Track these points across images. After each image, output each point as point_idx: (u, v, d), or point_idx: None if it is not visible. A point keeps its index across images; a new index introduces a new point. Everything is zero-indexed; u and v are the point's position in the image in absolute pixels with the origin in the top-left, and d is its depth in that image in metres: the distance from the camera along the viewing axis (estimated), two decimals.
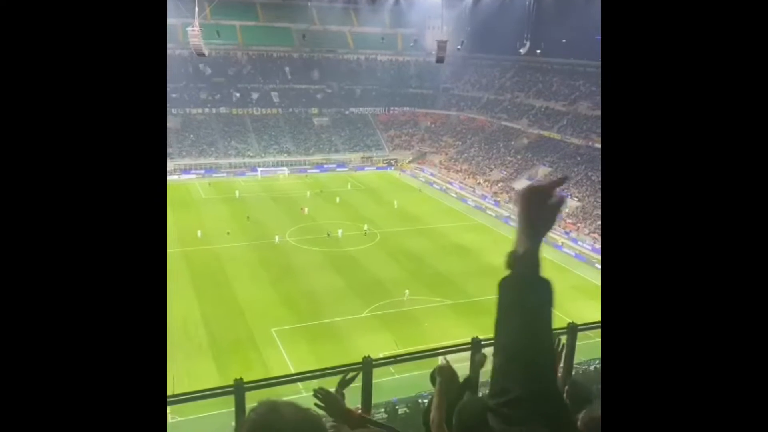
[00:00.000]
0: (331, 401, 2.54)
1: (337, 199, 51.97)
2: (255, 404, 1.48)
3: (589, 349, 5.54)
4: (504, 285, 1.52)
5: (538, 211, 1.49)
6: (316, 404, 2.45)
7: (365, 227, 44.04)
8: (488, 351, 3.74)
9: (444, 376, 3.08)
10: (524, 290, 1.49)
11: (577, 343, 4.45)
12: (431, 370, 3.18)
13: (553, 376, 1.59)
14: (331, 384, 3.15)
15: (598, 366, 13.27)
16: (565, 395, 3.28)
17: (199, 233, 39.87)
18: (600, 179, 47.36)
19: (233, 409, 3.30)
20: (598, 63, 49.83)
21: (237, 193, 53.36)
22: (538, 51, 61.07)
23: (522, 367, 1.43)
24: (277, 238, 40.68)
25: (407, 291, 32.64)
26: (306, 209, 47.88)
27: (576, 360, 4.64)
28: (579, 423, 2.75)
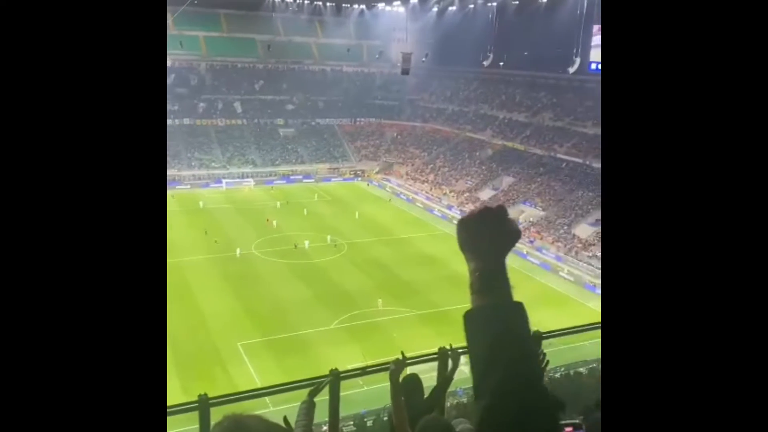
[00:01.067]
0: None
1: (305, 211, 51.57)
2: (220, 418, 1.45)
3: (553, 357, 5.60)
4: (471, 318, 1.33)
5: (487, 233, 1.37)
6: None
7: (329, 238, 43.86)
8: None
9: (395, 375, 3.08)
10: (498, 321, 1.30)
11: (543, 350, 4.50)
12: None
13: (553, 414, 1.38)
14: (297, 398, 3.11)
15: (564, 372, 13.46)
16: None
17: None
18: (562, 189, 48.13)
19: (198, 426, 3.23)
20: (559, 75, 50.73)
21: (201, 203, 52.63)
22: (501, 63, 62.19)
23: (514, 414, 1.25)
24: (238, 251, 39.90)
25: (380, 301, 32.53)
26: (275, 222, 47.18)
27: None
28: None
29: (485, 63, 54.11)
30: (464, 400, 17.29)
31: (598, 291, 30.41)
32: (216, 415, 3.11)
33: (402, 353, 3.18)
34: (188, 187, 58.98)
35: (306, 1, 76.49)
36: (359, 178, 66.33)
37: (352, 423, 15.02)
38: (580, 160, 52.72)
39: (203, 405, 3.18)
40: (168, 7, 53.44)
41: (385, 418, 13.03)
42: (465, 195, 56.37)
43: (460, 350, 3.52)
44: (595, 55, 52.59)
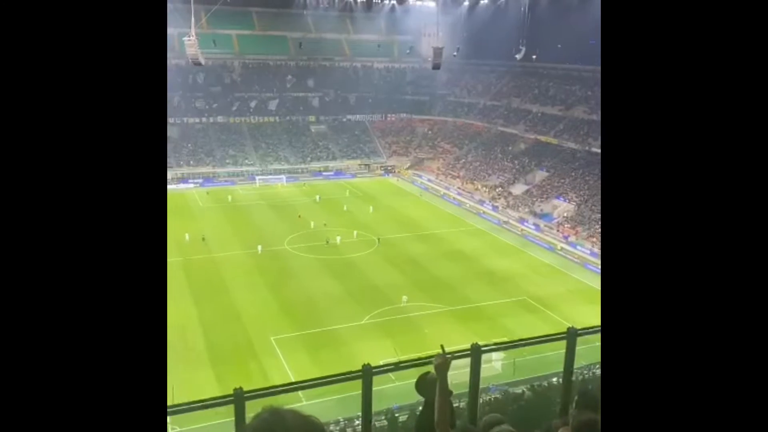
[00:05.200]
0: None
1: (345, 207, 51.81)
2: (259, 410, 1.50)
3: (589, 353, 5.51)
4: None
5: None
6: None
7: (355, 234, 44.09)
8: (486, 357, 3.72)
9: (442, 369, 3.04)
10: None
11: (577, 347, 4.44)
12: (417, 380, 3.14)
13: None
14: (330, 392, 3.13)
15: (598, 371, 13.18)
16: (573, 404, 3.27)
17: (186, 236, 39.81)
18: (597, 183, 47.22)
19: (233, 418, 3.28)
20: (593, 68, 49.67)
21: (229, 197, 54.01)
22: (534, 56, 61.27)
23: None
24: (259, 247, 39.87)
25: (405, 297, 32.57)
26: (312, 223, 46.80)
27: (576, 364, 4.63)
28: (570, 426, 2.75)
29: (518, 56, 53.30)
30: (497, 395, 17.18)
31: None
32: (251, 408, 3.16)
33: (442, 347, 3.15)
34: (223, 184, 60.01)
35: None
36: (390, 174, 66.33)
37: (384, 417, 15.07)
38: None
39: (239, 398, 3.24)
40: (201, 6, 54.26)
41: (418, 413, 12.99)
42: (497, 190, 55.86)
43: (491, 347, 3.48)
44: None
